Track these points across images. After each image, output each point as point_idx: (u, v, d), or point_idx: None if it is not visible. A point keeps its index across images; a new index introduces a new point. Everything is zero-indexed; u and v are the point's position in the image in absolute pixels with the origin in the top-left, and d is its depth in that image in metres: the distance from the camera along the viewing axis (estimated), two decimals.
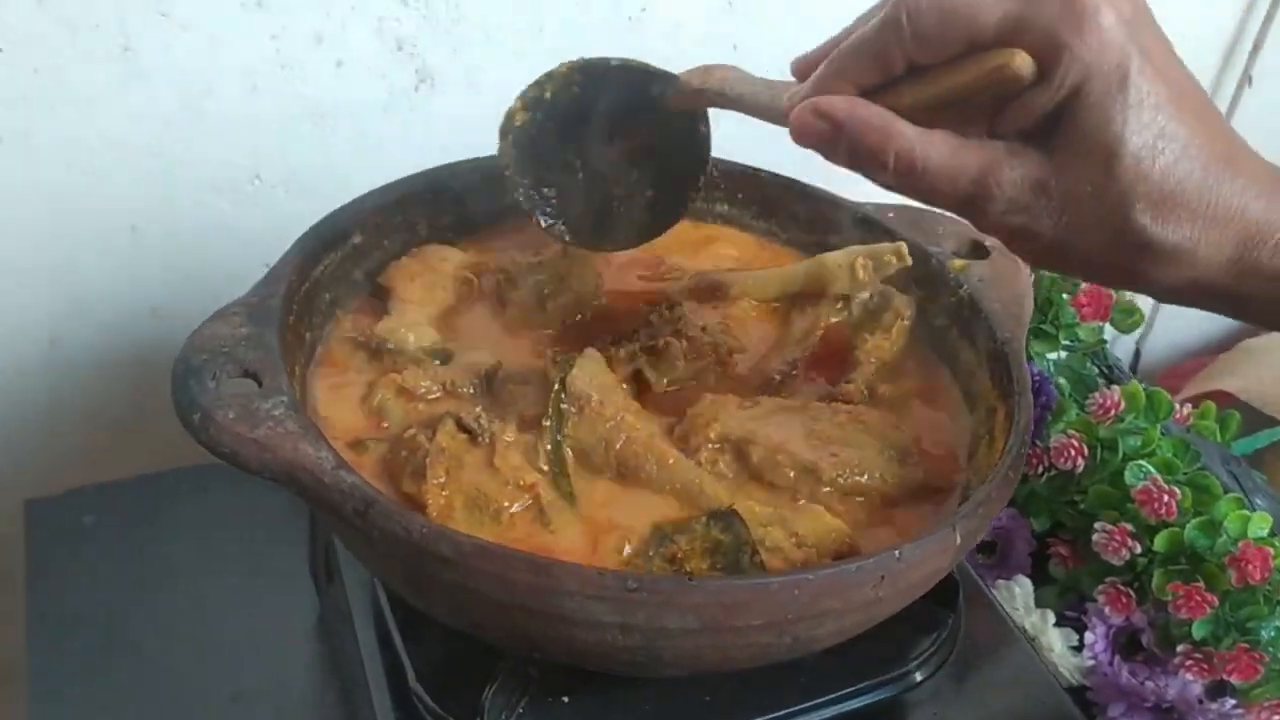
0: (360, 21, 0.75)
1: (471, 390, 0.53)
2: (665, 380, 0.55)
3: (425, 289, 0.58)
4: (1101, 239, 0.40)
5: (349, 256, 0.58)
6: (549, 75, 0.56)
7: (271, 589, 0.69)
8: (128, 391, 0.82)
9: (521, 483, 0.48)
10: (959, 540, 0.44)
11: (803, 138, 0.42)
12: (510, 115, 0.57)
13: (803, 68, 0.47)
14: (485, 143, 0.77)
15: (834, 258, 0.62)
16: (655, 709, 0.50)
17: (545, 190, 0.57)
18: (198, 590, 0.68)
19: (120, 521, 0.73)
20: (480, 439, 0.48)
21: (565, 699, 0.49)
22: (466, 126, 0.82)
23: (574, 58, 0.57)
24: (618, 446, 0.50)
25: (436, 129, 0.81)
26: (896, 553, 0.42)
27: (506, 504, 0.47)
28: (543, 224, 0.57)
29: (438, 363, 0.55)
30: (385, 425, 0.51)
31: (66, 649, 0.64)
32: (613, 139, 0.57)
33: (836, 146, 0.42)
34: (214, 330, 0.46)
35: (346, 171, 0.79)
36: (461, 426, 0.48)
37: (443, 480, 0.46)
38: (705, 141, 0.58)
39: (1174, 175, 0.38)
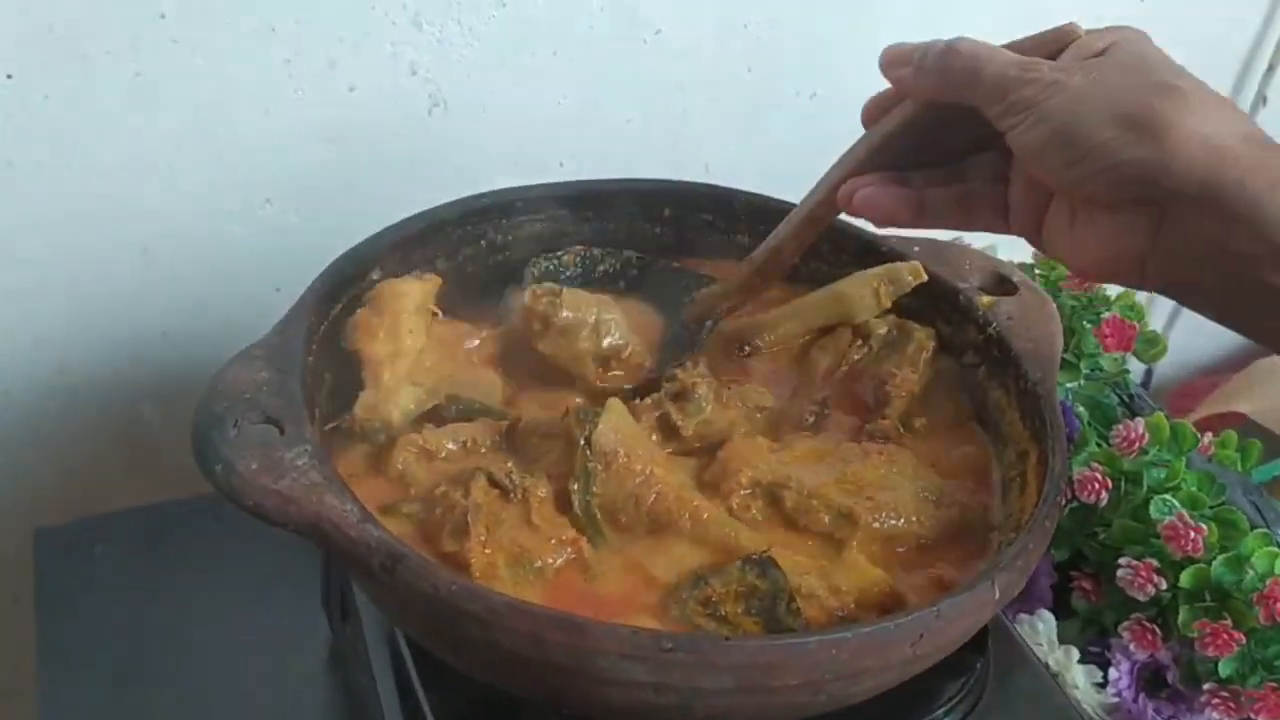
0: (373, 46, 0.75)
1: (492, 446, 0.52)
2: (693, 424, 0.54)
3: (391, 340, 0.54)
4: (1128, 81, 0.42)
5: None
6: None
7: (283, 620, 0.68)
8: (138, 417, 0.81)
9: (563, 537, 0.47)
10: (997, 595, 0.43)
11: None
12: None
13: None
14: (499, 168, 0.77)
15: (851, 284, 0.62)
16: None
17: None
18: (208, 620, 0.68)
19: (130, 550, 0.72)
20: (513, 495, 0.47)
21: None
22: (480, 151, 0.82)
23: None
24: (649, 502, 0.49)
25: (450, 154, 0.80)
26: (935, 610, 0.41)
27: (551, 560, 0.46)
28: None
29: (454, 408, 0.54)
30: (412, 489, 0.49)
31: (75, 679, 0.63)
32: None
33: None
34: (235, 375, 0.46)
35: (359, 196, 0.78)
36: (493, 482, 0.47)
37: (484, 538, 0.45)
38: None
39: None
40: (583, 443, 0.49)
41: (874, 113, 0.51)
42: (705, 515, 0.49)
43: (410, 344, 0.55)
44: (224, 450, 0.42)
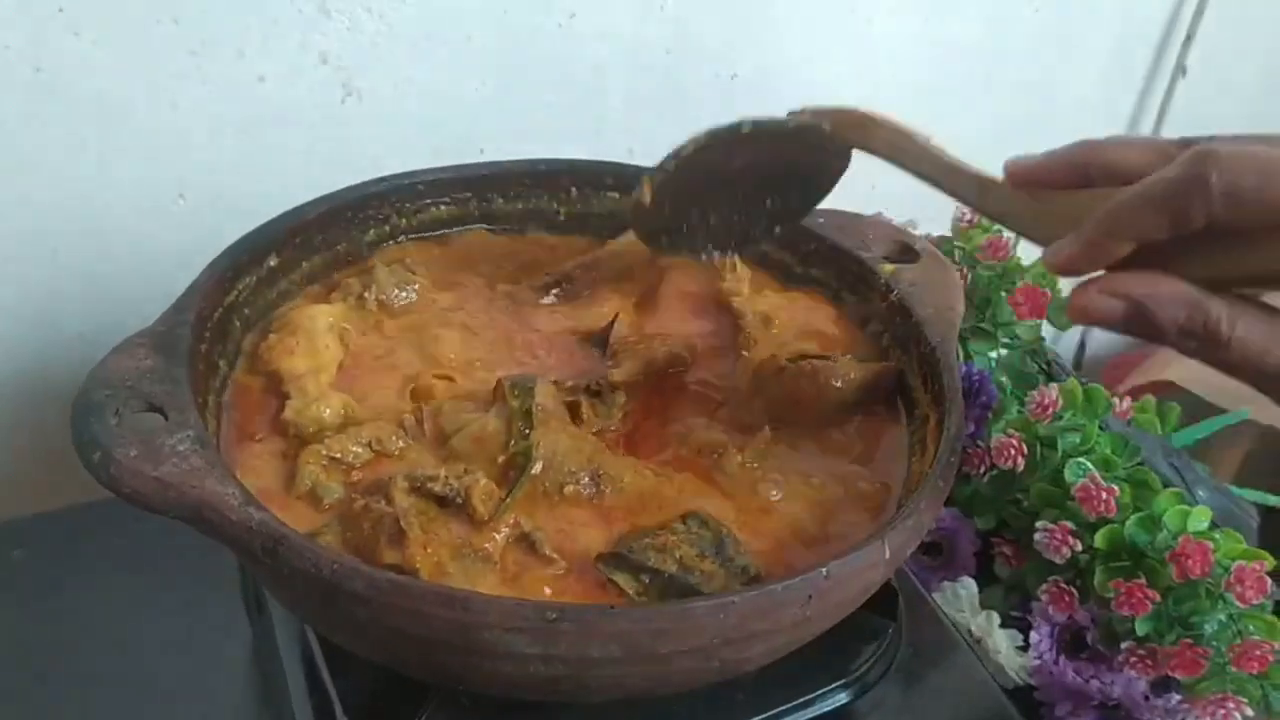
0: (281, 35, 0.74)
1: (401, 444, 0.51)
2: (597, 424, 0.54)
3: (309, 354, 0.54)
4: None
5: (265, 280, 0.56)
6: (676, 155, 0.55)
7: (208, 621, 0.67)
8: (56, 421, 0.79)
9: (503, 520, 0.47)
10: (888, 554, 0.43)
11: (1086, 317, 0.41)
12: (637, 201, 0.55)
13: (1021, 173, 0.46)
14: (416, 154, 0.76)
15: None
16: None
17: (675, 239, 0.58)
18: (132, 624, 0.67)
19: (50, 554, 0.71)
20: (455, 500, 0.46)
21: None
22: (397, 139, 0.81)
23: (701, 131, 0.55)
24: (587, 454, 0.50)
25: (366, 142, 0.80)
26: (824, 570, 0.41)
27: (489, 545, 0.45)
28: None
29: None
30: (327, 504, 0.48)
31: None
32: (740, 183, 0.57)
33: (1129, 322, 0.40)
34: (117, 363, 0.45)
35: (275, 188, 0.77)
36: (429, 493, 0.46)
37: (423, 539, 0.44)
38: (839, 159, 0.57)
39: None
40: (525, 400, 0.50)
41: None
42: (639, 470, 0.50)
43: (328, 358, 0.55)
44: (102, 438, 0.41)
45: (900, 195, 1.03)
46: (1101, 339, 1.30)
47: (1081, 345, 1.27)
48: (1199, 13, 1.10)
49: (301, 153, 0.78)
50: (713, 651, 0.40)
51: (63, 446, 0.79)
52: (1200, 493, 0.76)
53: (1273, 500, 0.84)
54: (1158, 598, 0.63)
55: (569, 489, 0.49)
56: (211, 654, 0.66)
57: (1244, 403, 1.02)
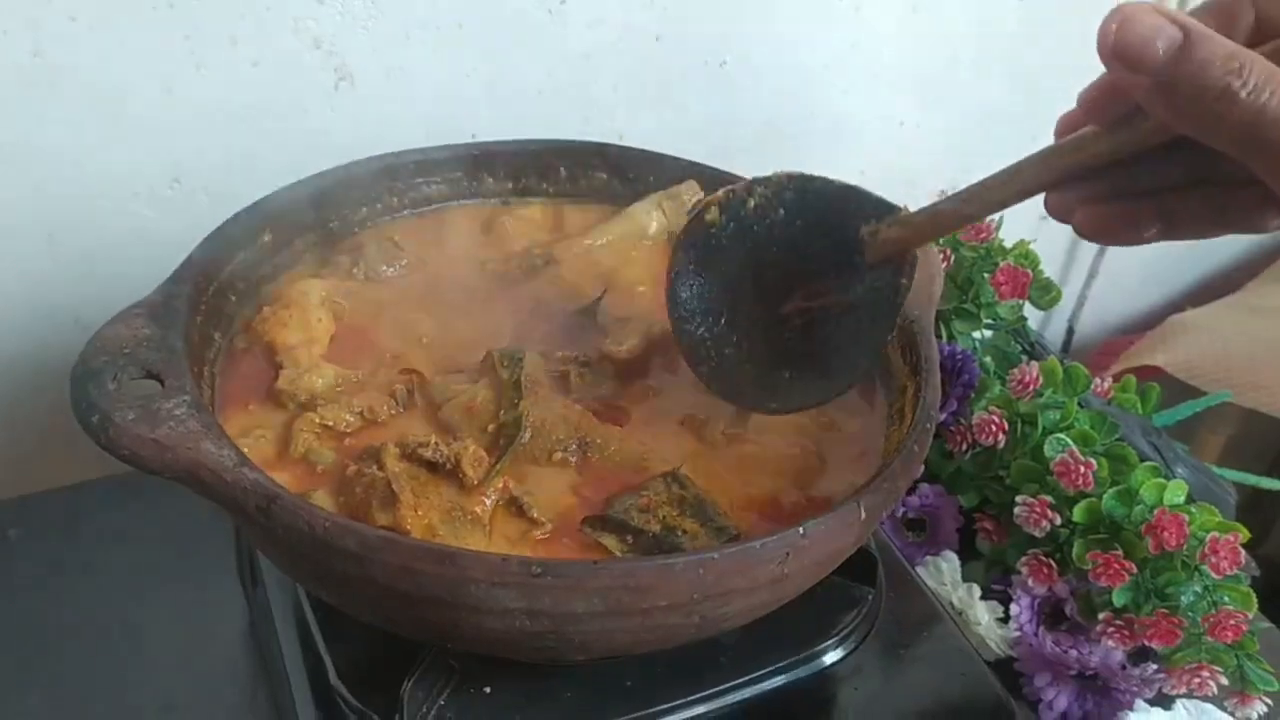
0: (275, 21, 0.75)
1: (392, 412, 0.52)
2: (589, 394, 0.55)
3: (301, 328, 0.56)
4: None
5: (259, 255, 0.57)
6: (762, 180, 0.52)
7: (203, 595, 0.68)
8: (52, 402, 0.80)
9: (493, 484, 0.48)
10: (864, 515, 0.44)
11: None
12: (699, 213, 0.53)
13: (1078, 117, 0.41)
14: (409, 142, 0.77)
15: (640, 205, 0.67)
16: (577, 696, 0.50)
17: (702, 323, 0.54)
18: (127, 600, 0.68)
19: (45, 533, 0.72)
20: (445, 466, 0.48)
21: (487, 689, 0.50)
22: (389, 125, 0.82)
23: (789, 170, 0.51)
24: (574, 422, 0.51)
25: (359, 127, 0.81)
26: (800, 529, 0.42)
27: (479, 509, 0.47)
28: (697, 371, 0.55)
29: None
30: (320, 470, 0.49)
31: None
32: (792, 284, 0.53)
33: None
34: (115, 332, 0.46)
35: (268, 173, 0.77)
36: (414, 457, 0.48)
37: (414, 502, 0.46)
38: (898, 296, 0.50)
39: None
40: (514, 371, 0.51)
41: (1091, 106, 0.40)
42: (625, 437, 0.52)
43: (321, 330, 0.57)
44: (101, 402, 0.42)
45: (888, 180, 1.04)
46: (1090, 328, 1.31)
47: (1070, 331, 1.29)
48: (1183, 2, 1.11)
49: (295, 138, 0.79)
50: (693, 607, 0.42)
51: (57, 427, 0.81)
52: (1179, 470, 0.77)
53: (1251, 479, 0.86)
54: (1135, 569, 0.64)
55: (557, 455, 0.51)
56: (207, 628, 0.67)
57: (1227, 388, 1.04)
